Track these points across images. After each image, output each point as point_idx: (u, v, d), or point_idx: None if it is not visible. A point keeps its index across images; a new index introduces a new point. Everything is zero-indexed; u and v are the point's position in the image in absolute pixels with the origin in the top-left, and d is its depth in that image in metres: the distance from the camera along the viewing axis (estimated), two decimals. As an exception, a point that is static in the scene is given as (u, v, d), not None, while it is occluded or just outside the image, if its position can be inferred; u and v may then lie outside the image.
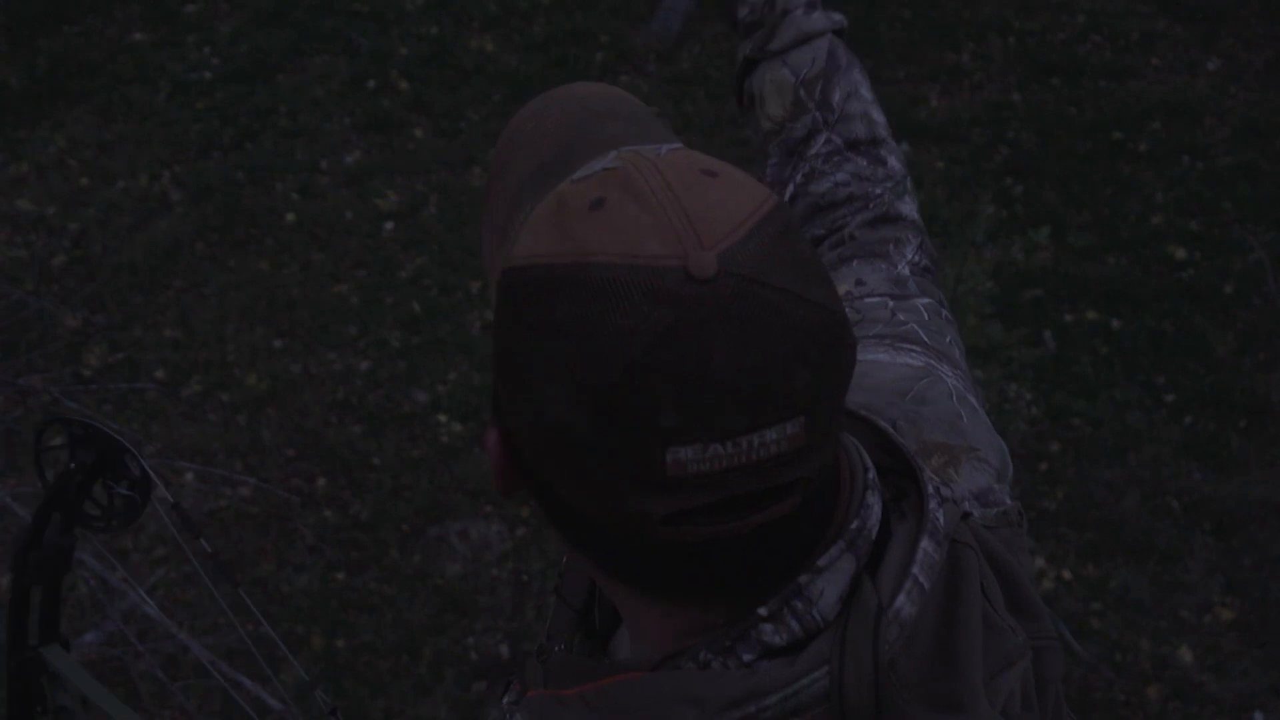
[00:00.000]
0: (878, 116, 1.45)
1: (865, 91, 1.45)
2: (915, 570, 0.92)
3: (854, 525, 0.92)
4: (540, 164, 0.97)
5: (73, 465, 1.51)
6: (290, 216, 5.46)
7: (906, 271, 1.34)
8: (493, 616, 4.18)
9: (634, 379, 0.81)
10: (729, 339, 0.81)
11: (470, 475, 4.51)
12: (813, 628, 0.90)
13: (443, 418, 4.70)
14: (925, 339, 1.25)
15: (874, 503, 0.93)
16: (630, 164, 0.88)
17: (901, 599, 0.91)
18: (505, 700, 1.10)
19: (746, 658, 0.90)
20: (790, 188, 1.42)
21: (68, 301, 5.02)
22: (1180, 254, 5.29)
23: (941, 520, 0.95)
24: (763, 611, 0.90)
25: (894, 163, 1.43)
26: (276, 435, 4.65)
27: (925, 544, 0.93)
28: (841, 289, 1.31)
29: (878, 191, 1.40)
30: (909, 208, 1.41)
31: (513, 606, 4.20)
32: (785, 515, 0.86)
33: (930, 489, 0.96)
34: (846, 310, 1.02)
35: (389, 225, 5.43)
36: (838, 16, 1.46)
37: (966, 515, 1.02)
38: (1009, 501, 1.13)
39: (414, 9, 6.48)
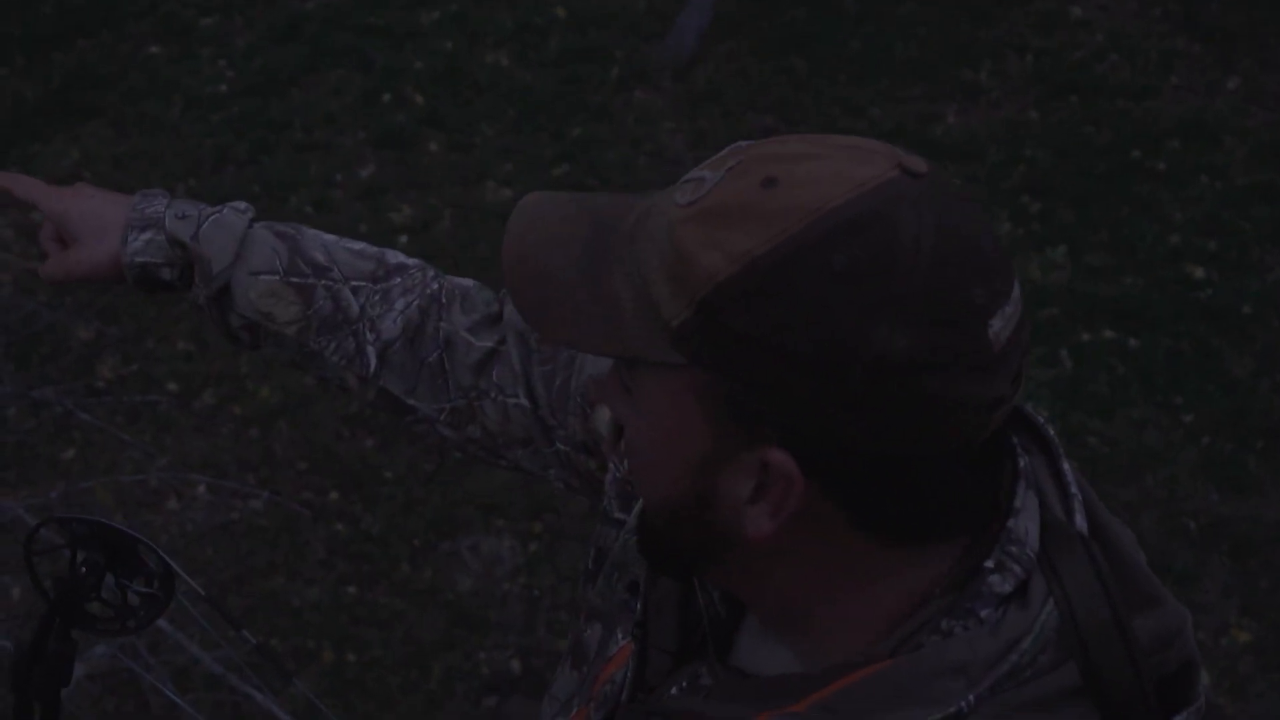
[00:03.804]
0: (360, 245, 1.45)
1: (330, 238, 1.45)
2: (1075, 490, 0.98)
3: (1023, 463, 0.98)
4: (586, 243, 0.96)
5: (83, 568, 1.37)
6: (304, 230, 5.46)
7: None
8: (504, 632, 4.16)
9: (941, 274, 0.86)
10: (970, 215, 0.89)
11: (482, 490, 4.49)
12: (1030, 566, 0.94)
13: (455, 432, 4.69)
14: None
15: (1016, 442, 0.99)
16: (750, 152, 0.91)
17: (1079, 519, 0.97)
18: None
19: (984, 613, 0.93)
20: (370, 351, 1.40)
21: (81, 313, 5.02)
22: (1198, 274, 5.27)
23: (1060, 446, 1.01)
24: (989, 564, 0.94)
25: (399, 258, 1.45)
26: (288, 448, 4.64)
27: (1066, 465, 0.99)
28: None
29: (434, 286, 1.42)
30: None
31: (524, 622, 4.18)
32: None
33: (1040, 420, 1.01)
34: None
35: (403, 239, 5.42)
36: (242, 205, 1.43)
37: None
38: None
39: (428, 24, 6.48)
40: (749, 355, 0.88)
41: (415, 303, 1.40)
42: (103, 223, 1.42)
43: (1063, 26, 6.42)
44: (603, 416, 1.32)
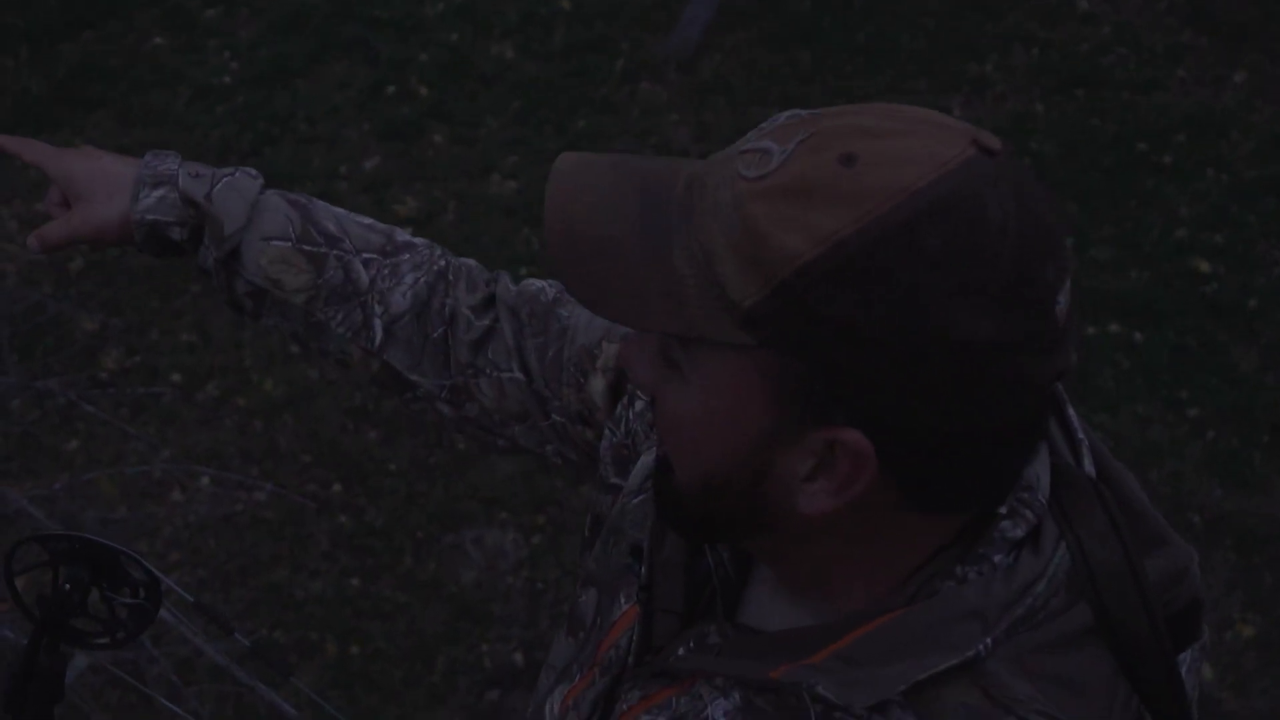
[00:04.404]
0: (369, 220, 1.44)
1: (340, 210, 1.43)
2: (1081, 435, 1.00)
3: None
4: (638, 214, 0.93)
5: (67, 586, 1.35)
6: (308, 222, 5.45)
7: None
8: (507, 625, 4.16)
9: (1024, 258, 0.86)
10: (1040, 192, 0.89)
11: (485, 483, 4.49)
12: (1041, 511, 0.95)
13: (459, 425, 4.69)
14: None
15: None
16: (822, 124, 0.89)
17: (1087, 463, 0.99)
18: (676, 701, 1.04)
19: (998, 559, 0.94)
20: (377, 324, 1.38)
21: (85, 305, 5.02)
22: (1204, 268, 5.25)
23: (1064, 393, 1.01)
24: (1002, 510, 0.94)
25: (405, 236, 1.44)
26: (292, 441, 4.64)
27: (1071, 411, 1.01)
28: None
29: (441, 263, 1.41)
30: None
31: (527, 615, 4.18)
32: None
33: None
34: None
35: (407, 231, 5.41)
36: (253, 171, 1.42)
37: None
38: None
39: (434, 15, 6.48)
40: (829, 339, 0.86)
41: (423, 279, 1.40)
42: (112, 181, 1.39)
43: (1069, 19, 6.40)
44: (597, 386, 1.32)
